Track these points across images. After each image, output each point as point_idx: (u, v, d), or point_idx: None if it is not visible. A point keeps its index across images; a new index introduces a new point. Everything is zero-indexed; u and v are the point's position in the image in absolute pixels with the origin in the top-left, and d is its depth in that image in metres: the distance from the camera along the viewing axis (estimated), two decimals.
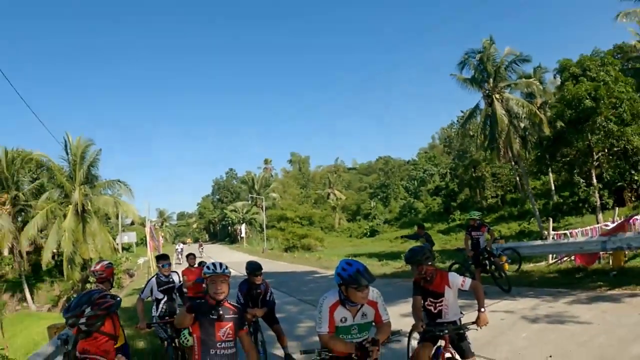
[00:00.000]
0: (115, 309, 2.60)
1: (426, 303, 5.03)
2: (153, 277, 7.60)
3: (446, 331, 4.67)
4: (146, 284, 7.53)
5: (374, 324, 4.05)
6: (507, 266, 11.54)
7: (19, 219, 36.19)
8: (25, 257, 37.64)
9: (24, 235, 32.21)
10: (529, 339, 7.09)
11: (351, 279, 3.72)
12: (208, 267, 4.13)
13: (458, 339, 4.82)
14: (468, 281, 4.93)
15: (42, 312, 33.04)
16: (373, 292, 4.00)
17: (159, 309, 7.38)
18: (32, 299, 34.94)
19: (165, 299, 7.42)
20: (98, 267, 6.23)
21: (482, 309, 4.74)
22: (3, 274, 41.29)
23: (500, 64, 31.03)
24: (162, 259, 7.77)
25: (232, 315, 4.03)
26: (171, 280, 7.53)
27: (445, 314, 4.99)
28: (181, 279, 7.98)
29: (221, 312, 3.95)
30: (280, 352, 7.63)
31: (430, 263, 4.92)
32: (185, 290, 8.52)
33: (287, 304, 13.43)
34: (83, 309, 2.48)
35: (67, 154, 32.89)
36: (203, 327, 3.91)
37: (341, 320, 3.93)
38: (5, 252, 39.96)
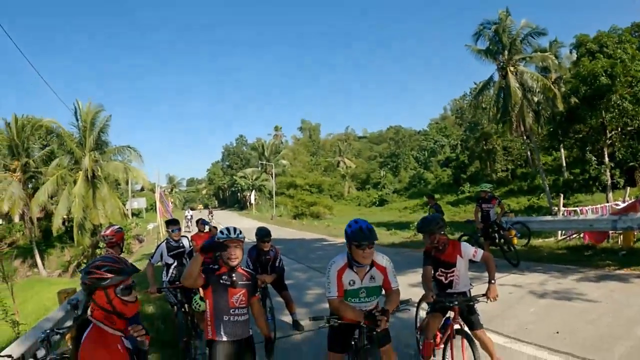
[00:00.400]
0: (103, 283, 2.43)
1: (437, 273, 4.99)
2: (163, 242, 7.56)
3: (456, 302, 4.62)
4: (156, 249, 7.48)
5: (383, 291, 4.05)
6: (515, 240, 11.42)
7: (30, 185, 36.51)
8: (36, 224, 38.09)
9: (35, 201, 32.55)
10: (537, 314, 7.09)
11: (353, 235, 3.74)
12: (222, 232, 4.10)
13: (467, 310, 4.77)
14: (480, 252, 4.87)
15: (53, 278, 33.53)
16: (383, 258, 4.01)
17: (169, 274, 7.37)
18: (43, 264, 35.51)
19: (176, 264, 7.39)
20: (108, 231, 6.27)
21: (493, 281, 4.70)
22: (14, 241, 42.00)
23: (515, 36, 30.43)
24: (171, 223, 7.73)
25: (246, 282, 4.03)
26: (181, 245, 7.50)
27: (455, 285, 4.96)
28: (191, 244, 7.97)
29: (234, 278, 3.95)
30: (288, 318, 7.69)
31: (442, 232, 4.86)
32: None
33: (296, 270, 13.54)
34: (81, 271, 2.42)
35: (77, 120, 33.08)
36: (216, 293, 3.89)
37: (349, 283, 3.93)
38: (16, 219, 40.54)
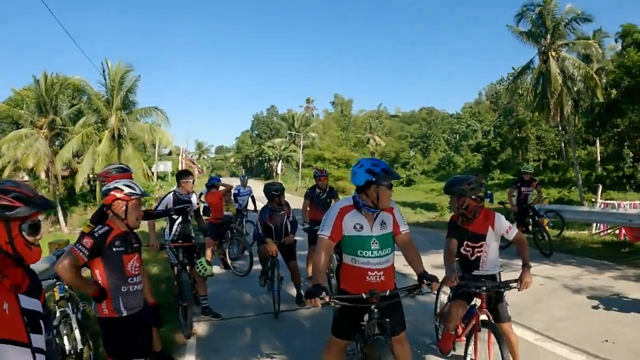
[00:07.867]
0: (9, 213, 1.84)
1: (462, 248, 4.19)
2: (170, 192, 6.67)
3: (484, 289, 3.82)
4: (162, 200, 6.59)
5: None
6: (548, 229, 10.65)
7: (56, 143, 36.45)
8: (61, 181, 38.31)
9: (59, 158, 32.61)
10: (570, 310, 6.39)
11: (384, 173, 3.18)
12: (131, 187, 3.55)
13: (495, 298, 4.00)
14: (514, 230, 4.12)
15: (74, 235, 33.74)
16: None
17: (172, 231, 6.54)
18: (65, 221, 35.62)
19: (180, 220, 6.53)
20: (102, 171, 4.95)
21: (528, 266, 3.89)
22: None
23: (559, 21, 28.91)
24: (184, 175, 6.73)
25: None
26: (190, 200, 6.60)
27: (483, 264, 4.16)
28: (199, 200, 7.23)
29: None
30: (294, 291, 7.23)
31: (474, 197, 4.02)
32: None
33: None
34: None
35: (105, 79, 33.01)
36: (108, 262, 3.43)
37: (355, 227, 3.28)
38: (42, 176, 40.76)
